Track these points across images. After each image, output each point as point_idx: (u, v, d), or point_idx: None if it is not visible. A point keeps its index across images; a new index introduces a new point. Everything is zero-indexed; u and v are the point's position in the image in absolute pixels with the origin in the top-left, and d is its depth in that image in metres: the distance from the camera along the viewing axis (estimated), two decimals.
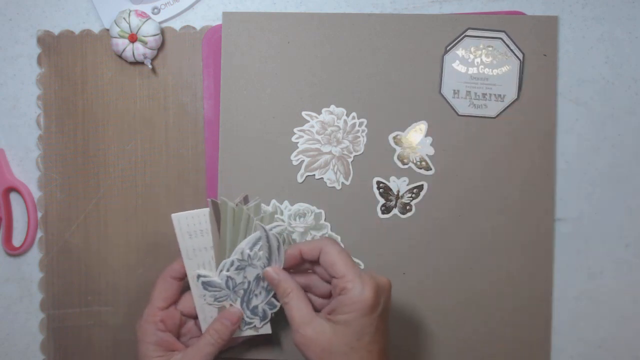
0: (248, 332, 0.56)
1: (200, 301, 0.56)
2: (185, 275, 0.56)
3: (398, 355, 0.62)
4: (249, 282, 0.54)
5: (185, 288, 0.57)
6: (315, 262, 0.53)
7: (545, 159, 0.62)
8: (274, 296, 0.55)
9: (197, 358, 0.53)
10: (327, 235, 0.62)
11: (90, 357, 0.64)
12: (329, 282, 0.53)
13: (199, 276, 0.54)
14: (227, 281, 0.54)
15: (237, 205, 0.53)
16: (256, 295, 0.55)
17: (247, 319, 0.55)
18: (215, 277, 0.54)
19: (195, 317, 0.57)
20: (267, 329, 0.56)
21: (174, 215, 0.54)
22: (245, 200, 0.55)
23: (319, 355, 0.49)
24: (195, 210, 0.54)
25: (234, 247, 0.54)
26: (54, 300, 0.64)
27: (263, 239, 0.52)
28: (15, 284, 0.65)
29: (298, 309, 0.51)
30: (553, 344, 0.63)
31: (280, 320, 0.56)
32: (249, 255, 0.53)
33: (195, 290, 0.56)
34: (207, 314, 0.56)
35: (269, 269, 0.53)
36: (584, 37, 0.64)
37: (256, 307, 0.55)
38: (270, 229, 0.52)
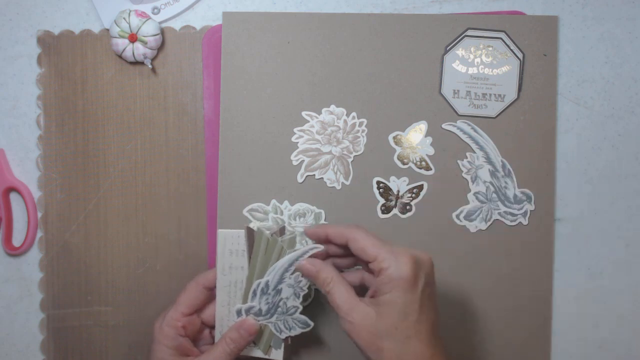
0: (258, 353, 0.56)
1: (220, 312, 0.56)
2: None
3: None
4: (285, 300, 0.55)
5: (212, 298, 0.57)
6: (344, 246, 0.52)
7: (545, 159, 0.62)
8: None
9: None
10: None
11: (90, 357, 0.64)
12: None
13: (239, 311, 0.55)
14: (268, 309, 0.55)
15: (272, 235, 0.53)
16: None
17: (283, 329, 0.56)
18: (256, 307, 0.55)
19: (212, 328, 0.57)
20: (279, 355, 0.56)
21: (220, 231, 0.55)
22: (282, 231, 0.56)
23: (367, 339, 0.48)
24: (242, 230, 0.55)
25: (261, 276, 0.54)
26: (54, 300, 0.64)
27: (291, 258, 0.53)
28: (15, 284, 0.65)
29: (341, 295, 0.49)
30: (553, 344, 0.63)
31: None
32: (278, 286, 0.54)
33: (220, 301, 0.56)
34: (224, 325, 0.56)
35: (303, 262, 0.52)
36: (584, 37, 0.64)
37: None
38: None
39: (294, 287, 0.54)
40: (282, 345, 0.56)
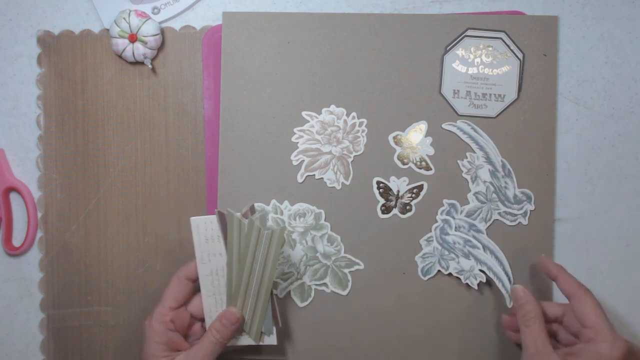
0: (248, 341, 0.56)
1: (208, 302, 0.56)
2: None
3: (398, 353, 0.62)
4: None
5: (197, 290, 0.57)
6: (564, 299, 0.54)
7: (545, 159, 0.62)
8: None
9: (199, 356, 0.53)
10: (327, 233, 0.62)
11: (90, 357, 0.64)
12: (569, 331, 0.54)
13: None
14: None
15: (243, 215, 0.53)
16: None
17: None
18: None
19: (204, 320, 0.57)
20: (272, 340, 0.56)
21: (192, 219, 0.54)
22: (252, 210, 0.55)
23: None
24: (214, 215, 0.54)
25: (243, 260, 0.54)
26: (54, 300, 0.64)
27: (499, 258, 0.56)
28: (15, 284, 0.65)
29: (540, 336, 0.51)
30: None
31: (284, 329, 0.56)
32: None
33: (205, 291, 0.56)
34: (214, 316, 0.56)
35: (519, 287, 0.54)
36: (584, 37, 0.64)
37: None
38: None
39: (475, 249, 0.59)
40: (274, 330, 0.56)
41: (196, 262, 0.55)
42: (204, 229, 0.54)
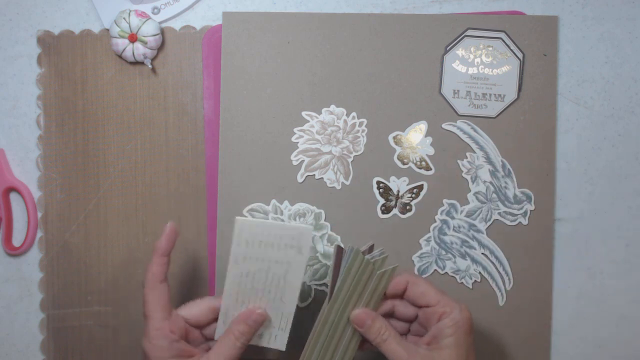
0: (262, 343, 0.55)
1: (227, 302, 0.54)
2: (166, 274, 0.54)
3: None
4: None
5: (182, 293, 0.55)
6: (397, 296, 0.53)
7: (545, 159, 0.62)
8: None
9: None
10: (325, 230, 0.62)
11: (90, 357, 0.64)
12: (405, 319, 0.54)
13: None
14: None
15: (363, 252, 0.52)
16: None
17: None
18: None
19: (200, 328, 0.55)
20: (281, 345, 0.55)
21: (239, 219, 0.52)
22: (371, 249, 0.54)
23: None
24: (263, 220, 0.53)
25: (351, 295, 0.52)
26: (54, 300, 0.64)
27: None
28: (15, 284, 0.65)
29: (399, 344, 0.51)
30: (553, 344, 0.63)
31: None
32: None
33: (228, 291, 0.53)
34: (229, 315, 0.54)
35: (359, 311, 0.52)
36: (584, 37, 0.64)
37: None
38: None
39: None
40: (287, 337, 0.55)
41: (159, 261, 0.53)
42: (248, 232, 0.52)
